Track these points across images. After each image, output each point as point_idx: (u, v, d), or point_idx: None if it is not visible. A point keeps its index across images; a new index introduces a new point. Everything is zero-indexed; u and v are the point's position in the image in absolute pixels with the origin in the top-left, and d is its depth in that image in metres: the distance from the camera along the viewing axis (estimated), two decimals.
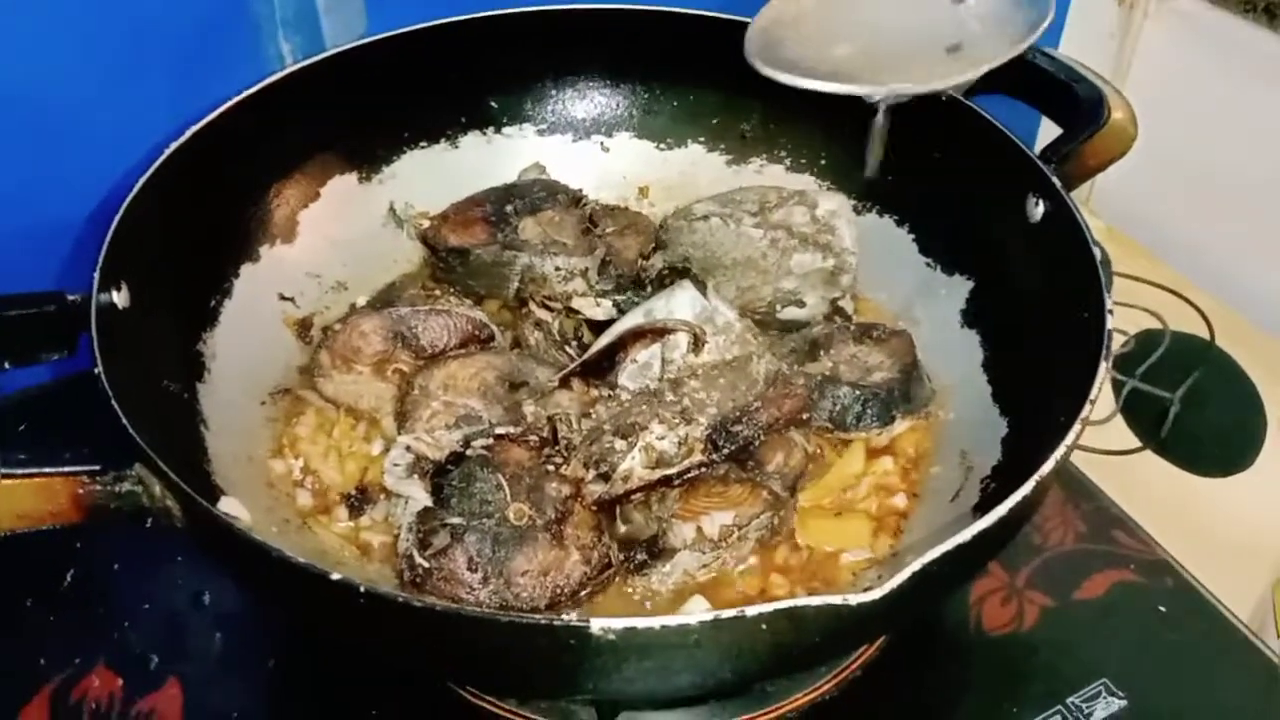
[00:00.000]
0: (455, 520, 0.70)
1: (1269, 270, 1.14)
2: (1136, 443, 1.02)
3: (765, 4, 0.85)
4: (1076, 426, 0.63)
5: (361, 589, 0.55)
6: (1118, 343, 0.69)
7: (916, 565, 0.55)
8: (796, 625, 0.54)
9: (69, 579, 0.83)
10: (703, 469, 0.74)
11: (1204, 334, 1.06)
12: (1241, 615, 0.83)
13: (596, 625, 0.53)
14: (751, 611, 0.53)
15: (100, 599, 0.83)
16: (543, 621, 0.55)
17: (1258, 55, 1.11)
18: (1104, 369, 0.67)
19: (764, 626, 0.54)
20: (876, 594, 0.54)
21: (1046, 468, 0.61)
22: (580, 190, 0.95)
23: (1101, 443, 0.97)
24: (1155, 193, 1.20)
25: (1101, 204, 1.28)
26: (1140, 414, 1.03)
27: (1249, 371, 1.06)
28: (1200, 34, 1.17)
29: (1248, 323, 1.11)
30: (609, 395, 0.78)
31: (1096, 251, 0.73)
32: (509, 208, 0.91)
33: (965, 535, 0.57)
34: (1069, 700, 0.76)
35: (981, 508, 0.73)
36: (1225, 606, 0.83)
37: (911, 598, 0.55)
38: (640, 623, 0.53)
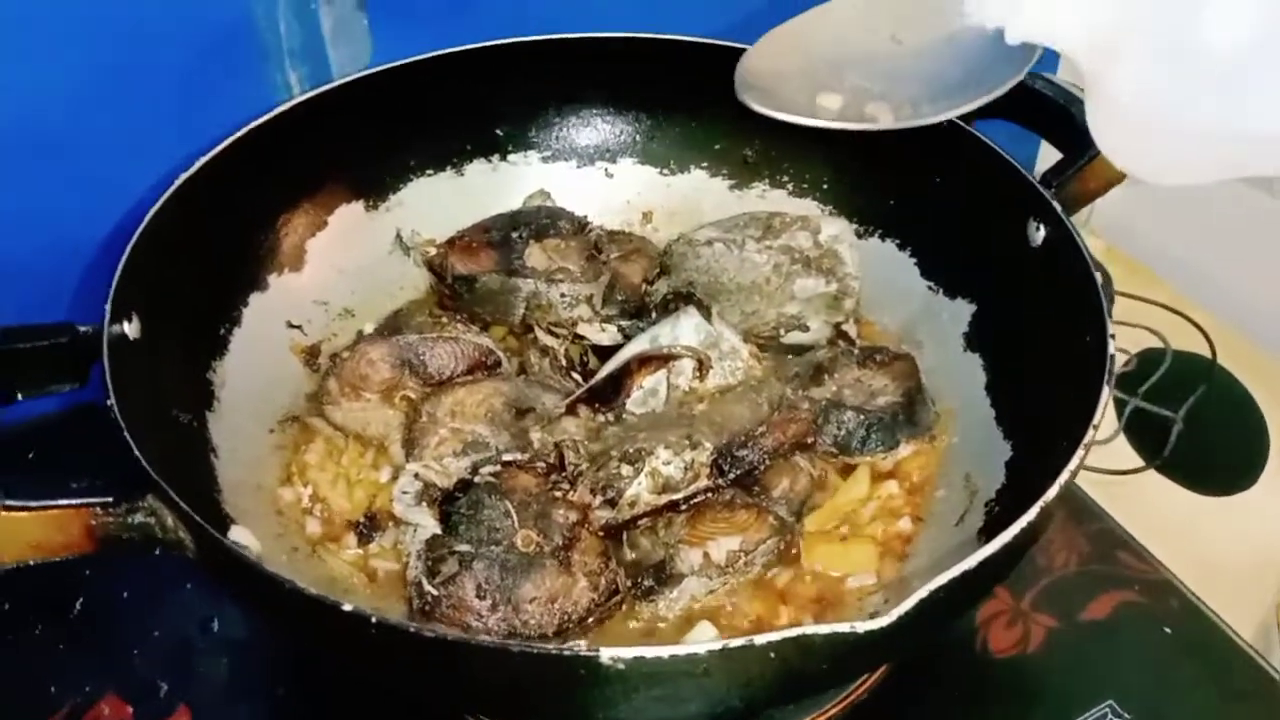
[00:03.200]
0: (463, 548, 0.70)
1: (1271, 288, 1.15)
2: (1139, 462, 1.02)
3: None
4: (1080, 451, 0.64)
5: (373, 620, 0.55)
6: (1119, 362, 0.69)
7: (924, 592, 0.55)
8: (805, 653, 0.55)
9: (78, 607, 0.84)
10: (709, 494, 0.74)
11: (1206, 353, 1.06)
12: (1245, 635, 0.83)
13: (606, 654, 0.53)
14: (760, 640, 0.54)
15: (110, 626, 0.83)
16: (552, 651, 0.56)
17: None
18: (1106, 393, 0.67)
19: (773, 655, 0.54)
20: (884, 621, 0.54)
21: (1051, 493, 0.61)
22: (585, 216, 0.96)
23: (1104, 462, 0.97)
24: (1156, 211, 1.21)
25: (1102, 223, 1.28)
26: (1143, 433, 1.03)
27: (1251, 390, 1.06)
28: None
29: (1250, 341, 1.11)
30: (615, 421, 0.79)
31: (1097, 275, 0.74)
32: (515, 234, 0.91)
33: (971, 562, 0.57)
34: None
35: (987, 531, 0.73)
36: (1230, 626, 0.83)
37: (919, 624, 0.56)
38: (649, 652, 0.54)
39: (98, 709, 0.78)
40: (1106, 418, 0.67)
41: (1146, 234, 1.22)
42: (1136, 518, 0.92)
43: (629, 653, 0.53)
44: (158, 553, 0.71)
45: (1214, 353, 1.06)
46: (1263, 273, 1.16)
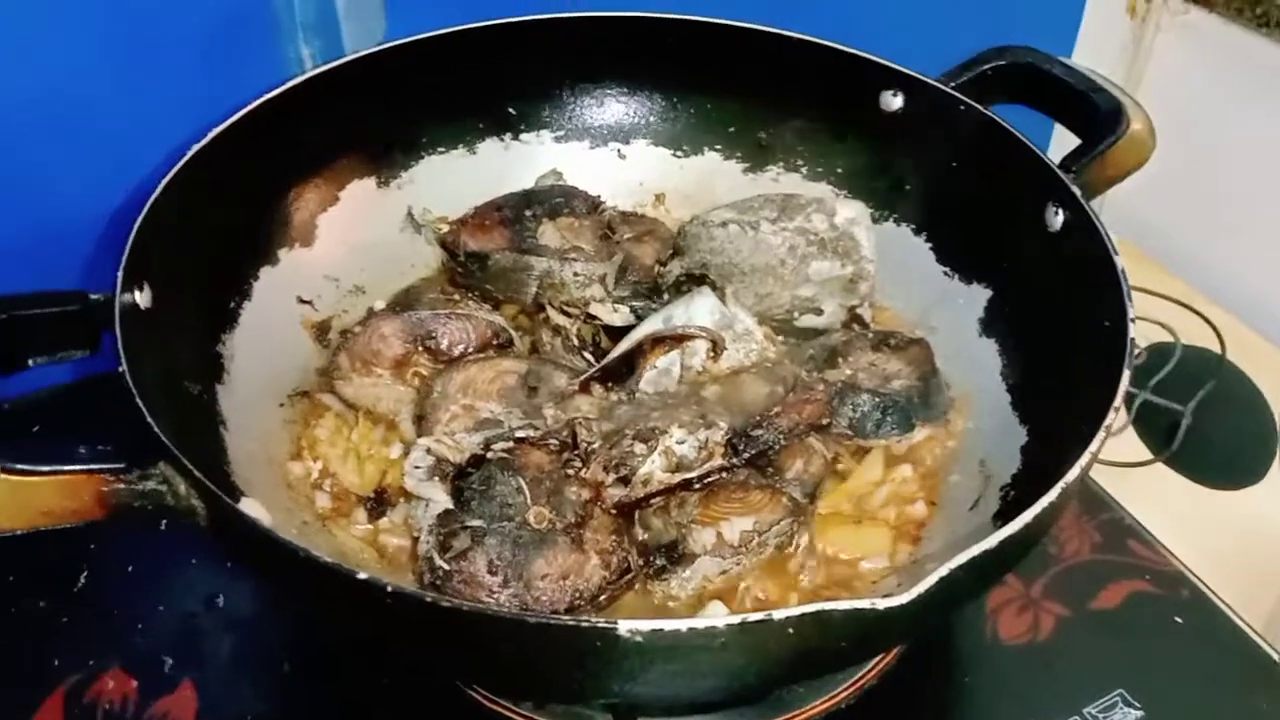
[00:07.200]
0: (475, 523, 0.70)
1: None
2: (1148, 455, 1.02)
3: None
4: (1100, 434, 0.64)
5: (389, 588, 0.54)
6: None
7: (944, 570, 0.55)
8: (823, 629, 0.54)
9: (83, 580, 0.83)
10: (722, 473, 0.74)
11: (1215, 347, 1.06)
12: (1256, 626, 0.83)
13: (624, 627, 0.53)
14: (779, 615, 0.53)
15: (114, 601, 0.82)
16: (569, 623, 0.55)
17: (1270, 70, 1.12)
18: (1127, 377, 0.67)
19: (790, 630, 0.54)
20: (903, 599, 0.53)
21: (1072, 474, 0.61)
22: (598, 196, 0.95)
23: (1113, 454, 0.97)
24: (1167, 206, 1.21)
25: (1112, 216, 1.27)
26: (1152, 426, 1.03)
27: (1260, 385, 1.06)
28: (1213, 48, 1.17)
29: (1259, 336, 1.11)
30: (628, 400, 0.79)
31: (1118, 260, 0.73)
32: (528, 213, 0.90)
33: (992, 541, 0.57)
34: (1085, 710, 0.76)
35: (1002, 516, 0.73)
36: (1241, 618, 0.83)
37: (936, 603, 0.55)
38: (668, 624, 0.53)
39: (101, 682, 0.77)
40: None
41: (1157, 228, 1.22)
42: (1146, 509, 0.92)
43: (647, 625, 0.53)
44: (163, 526, 0.71)
45: (1223, 348, 1.06)
46: (1273, 268, 1.16)
